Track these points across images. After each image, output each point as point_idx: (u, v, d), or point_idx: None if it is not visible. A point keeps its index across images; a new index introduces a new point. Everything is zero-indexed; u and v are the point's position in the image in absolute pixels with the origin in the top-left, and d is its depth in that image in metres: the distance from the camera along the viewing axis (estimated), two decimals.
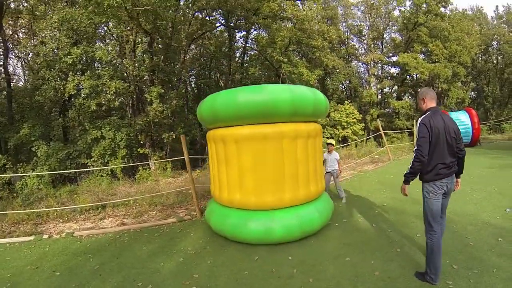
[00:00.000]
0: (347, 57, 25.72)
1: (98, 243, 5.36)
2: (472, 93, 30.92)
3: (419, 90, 4.17)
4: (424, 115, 3.36)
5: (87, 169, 11.52)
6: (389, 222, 5.45)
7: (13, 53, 17.71)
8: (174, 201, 8.01)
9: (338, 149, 16.49)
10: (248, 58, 20.88)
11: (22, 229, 6.49)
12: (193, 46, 21.66)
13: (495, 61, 28.35)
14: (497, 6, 46.86)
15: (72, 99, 13.22)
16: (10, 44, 15.83)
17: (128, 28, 12.55)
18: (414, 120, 15.47)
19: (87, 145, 12.14)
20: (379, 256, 4.11)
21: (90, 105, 11.47)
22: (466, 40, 22.32)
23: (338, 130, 20.85)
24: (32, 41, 16.37)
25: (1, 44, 13.93)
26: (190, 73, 21.32)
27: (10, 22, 16.07)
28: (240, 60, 19.96)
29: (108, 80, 11.28)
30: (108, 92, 11.22)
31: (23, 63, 19.73)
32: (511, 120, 23.58)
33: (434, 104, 3.41)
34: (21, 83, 19.75)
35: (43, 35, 12.05)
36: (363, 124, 21.64)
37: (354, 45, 26.83)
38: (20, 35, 17.63)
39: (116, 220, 7.10)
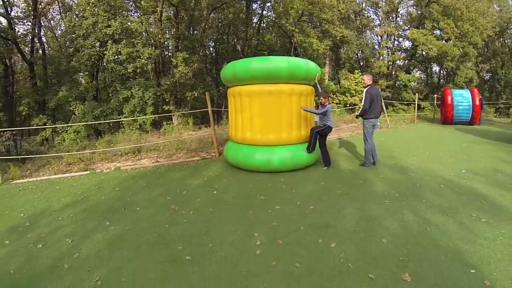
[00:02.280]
0: (361, 27, 26.47)
1: (141, 173, 6.98)
2: (486, 74, 30.63)
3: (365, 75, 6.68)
4: (368, 87, 6.39)
5: (118, 119, 13.32)
6: (365, 168, 6.80)
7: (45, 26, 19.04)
8: (197, 147, 9.76)
9: (343, 112, 18.29)
10: (264, 25, 22.10)
11: (76, 168, 7.96)
12: (212, 14, 22.92)
13: (511, 45, 27.90)
14: None
15: (105, 64, 14.83)
16: (43, 18, 17.30)
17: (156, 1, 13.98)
18: (418, 94, 16.39)
19: (119, 103, 14.03)
20: (346, 184, 5.65)
21: (127, 68, 13.26)
22: (480, 21, 21.92)
23: (347, 97, 22.17)
24: (62, 14, 17.58)
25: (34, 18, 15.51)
26: (209, 38, 22.64)
27: None
28: (256, 27, 21.23)
29: (141, 48, 12.98)
30: (142, 57, 12.92)
31: (55, 34, 21.21)
32: None
33: (371, 82, 6.55)
34: (51, 51, 21.22)
35: (81, 9, 13.52)
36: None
37: (369, 16, 27.37)
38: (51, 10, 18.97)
39: (151, 159, 8.64)
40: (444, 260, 3.13)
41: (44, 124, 14.05)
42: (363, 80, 6.74)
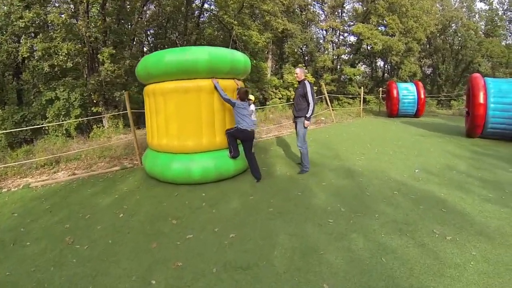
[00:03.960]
0: (306, 22, 26.24)
1: (51, 191, 6.02)
2: (428, 69, 32.29)
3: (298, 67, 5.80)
4: (308, 82, 5.63)
5: (39, 126, 11.82)
6: (305, 174, 6.02)
7: None
8: (121, 153, 8.73)
9: (285, 108, 17.76)
10: (206, 19, 21.06)
11: None
12: (152, 6, 21.47)
13: (451, 42, 29.55)
14: None
15: (26, 62, 13.26)
16: None
17: None
18: (363, 88, 16.44)
19: (42, 106, 12.48)
20: (280, 197, 4.80)
21: (43, 67, 11.70)
22: (424, 18, 22.88)
23: (290, 92, 21.79)
24: None
25: None
26: (148, 33, 21.22)
27: None
28: (196, 20, 20.10)
29: (60, 42, 11.46)
30: (60, 53, 11.41)
31: None
32: (460, 98, 24.57)
33: (304, 77, 5.81)
34: None
35: None
36: (316, 88, 22.66)
37: (315, 11, 27.26)
38: None
39: (68, 172, 7.71)
40: None
41: None
42: (296, 74, 5.81)
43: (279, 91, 21.76)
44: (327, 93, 14.86)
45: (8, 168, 7.77)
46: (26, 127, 12.12)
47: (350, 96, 23.21)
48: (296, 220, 4.00)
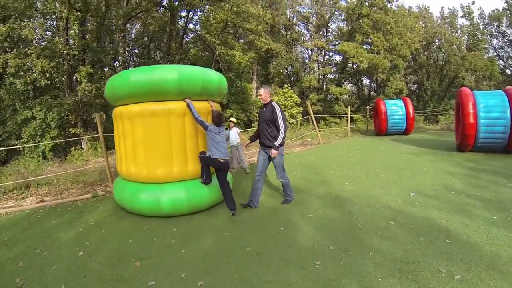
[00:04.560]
0: (291, 41, 26.35)
1: (13, 220, 5.64)
2: (413, 85, 32.69)
3: (264, 86, 5.14)
4: (276, 104, 4.96)
5: (12, 147, 11.27)
6: (288, 204, 5.50)
7: None
8: (96, 179, 8.23)
9: None
10: (190, 39, 20.84)
11: None
12: (138, 26, 21.24)
13: (435, 58, 30.06)
14: (442, 8, 53.27)
15: (3, 79, 12.76)
16: None
17: (62, 5, 12.12)
18: (350, 107, 16.19)
19: (17, 126, 11.97)
20: (260, 233, 4.25)
21: (16, 84, 11.30)
22: (408, 35, 23.20)
23: None
24: None
25: None
26: (131, 52, 20.89)
27: None
28: (180, 41, 19.81)
29: (35, 59, 11.04)
30: (34, 71, 11.00)
31: None
32: (446, 113, 24.97)
33: (271, 98, 5.08)
34: None
35: None
36: (302, 108, 22.47)
37: (300, 31, 27.49)
38: None
39: (37, 199, 7.28)
40: None
41: None
42: (260, 95, 4.99)
43: None
44: (313, 113, 14.52)
45: None
46: (0, 146, 11.64)
47: (337, 115, 23.07)
48: (277, 262, 3.47)
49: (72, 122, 12.51)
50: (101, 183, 7.95)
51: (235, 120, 8.17)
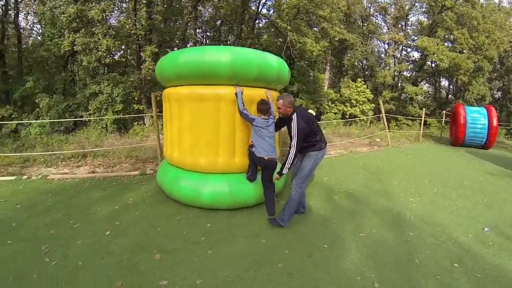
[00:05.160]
0: (367, 33, 24.63)
1: (63, 186, 5.89)
2: (497, 92, 28.44)
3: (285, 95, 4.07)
4: (294, 114, 3.98)
5: (77, 119, 11.97)
6: (340, 212, 4.83)
7: (24, 11, 17.86)
8: (149, 156, 8.28)
9: (339, 125, 16.12)
10: (262, 25, 20.39)
11: (10, 170, 7.23)
12: (210, 9, 21.33)
13: None
14: None
15: (76, 55, 13.50)
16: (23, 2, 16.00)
17: None
18: (424, 109, 14.53)
19: (86, 98, 12.62)
20: (298, 248, 3.67)
21: (83, 60, 11.89)
22: (497, 33, 20.17)
23: (347, 107, 20.40)
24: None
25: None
26: (203, 35, 21.01)
27: None
28: (251, 25, 19.44)
29: (101, 38, 11.47)
30: (99, 49, 11.42)
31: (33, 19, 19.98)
32: None
33: (290, 108, 4.02)
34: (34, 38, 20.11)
35: None
36: (374, 105, 21.05)
37: (377, 22, 25.58)
38: None
39: (89, 168, 7.62)
40: None
41: (10, 115, 12.96)
42: (279, 108, 3.95)
43: (335, 105, 20.51)
44: (385, 112, 13.26)
45: (38, 155, 8.03)
46: (70, 116, 12.44)
47: (410, 117, 21.00)
48: None
49: (136, 98, 12.90)
50: (153, 161, 7.98)
51: (313, 113, 6.89)
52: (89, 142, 10.39)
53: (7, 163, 7.76)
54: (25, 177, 6.66)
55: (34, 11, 14.88)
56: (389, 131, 13.14)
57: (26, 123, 12.32)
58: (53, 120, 11.67)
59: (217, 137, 4.43)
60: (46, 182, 6.23)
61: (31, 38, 20.14)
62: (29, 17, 17.66)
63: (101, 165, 7.95)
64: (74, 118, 12.52)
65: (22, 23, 17.45)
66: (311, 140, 4.04)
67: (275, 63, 4.66)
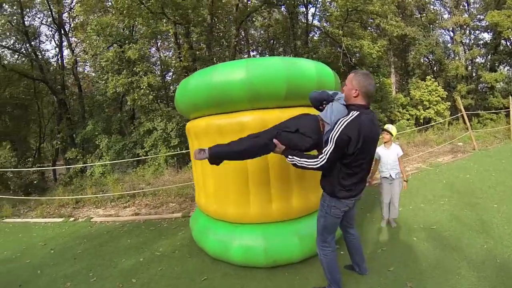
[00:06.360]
0: (427, 24, 21.94)
1: (100, 231, 5.83)
2: None
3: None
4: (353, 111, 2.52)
5: (136, 158, 12.25)
6: (419, 266, 3.38)
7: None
8: None
9: (413, 133, 14.07)
10: (316, 37, 19.36)
11: (63, 211, 7.62)
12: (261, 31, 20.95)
13: None
14: None
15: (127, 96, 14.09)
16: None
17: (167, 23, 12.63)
18: (511, 97, 11.95)
19: (140, 136, 12.79)
20: None
21: (127, 100, 12.30)
22: None
23: (420, 111, 18.23)
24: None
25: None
26: (258, 56, 20.70)
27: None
28: (304, 38, 18.35)
29: (142, 76, 11.57)
30: (141, 87, 11.49)
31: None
32: None
33: (363, 101, 2.55)
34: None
35: (83, 44, 12.97)
36: (449, 103, 18.53)
37: (436, 9, 22.62)
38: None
39: (134, 209, 7.38)
40: None
41: (76, 157, 13.91)
42: (344, 88, 2.61)
43: (406, 110, 18.44)
44: (464, 109, 11.06)
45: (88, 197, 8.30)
46: (128, 154, 12.68)
47: (493, 110, 17.65)
48: None
49: None
50: None
51: (393, 131, 4.32)
52: (145, 180, 10.40)
53: (62, 204, 8.11)
54: (72, 219, 6.80)
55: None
56: (473, 130, 11.04)
57: (91, 161, 12.92)
58: (105, 162, 11.96)
59: (245, 180, 3.49)
60: (88, 225, 6.23)
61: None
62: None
63: (147, 205, 7.76)
64: (132, 156, 12.64)
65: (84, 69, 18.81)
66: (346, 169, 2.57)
67: (312, 70, 3.53)
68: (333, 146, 2.39)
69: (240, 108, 3.44)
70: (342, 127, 2.38)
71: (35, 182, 11.20)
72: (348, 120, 2.40)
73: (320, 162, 2.44)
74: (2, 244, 5.49)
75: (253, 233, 3.54)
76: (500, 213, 4.57)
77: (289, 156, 2.59)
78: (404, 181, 4.30)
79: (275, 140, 2.63)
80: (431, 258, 3.51)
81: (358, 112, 2.43)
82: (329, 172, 2.60)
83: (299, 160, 2.53)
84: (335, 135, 2.39)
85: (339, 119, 2.45)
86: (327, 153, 2.41)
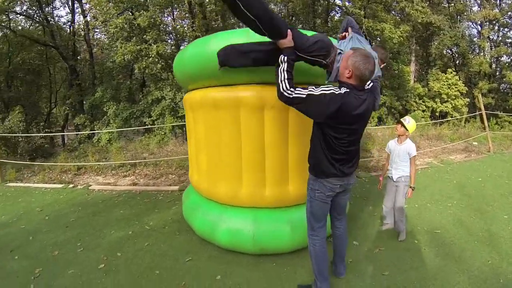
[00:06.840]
0: (454, 14, 20.92)
1: (97, 199, 5.83)
2: None
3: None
4: None
5: (143, 127, 12.26)
6: (415, 272, 3.13)
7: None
8: None
9: (428, 125, 13.58)
10: (336, 17, 18.67)
11: (64, 177, 7.67)
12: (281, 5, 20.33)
13: None
14: None
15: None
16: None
17: None
18: None
19: (148, 105, 12.65)
20: None
21: (135, 68, 12.07)
22: None
23: (437, 103, 17.64)
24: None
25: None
26: None
27: None
28: (324, 16, 17.82)
29: (152, 44, 11.29)
30: (150, 55, 11.21)
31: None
32: None
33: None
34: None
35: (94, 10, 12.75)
36: (468, 100, 17.86)
37: (465, 1, 21.55)
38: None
39: (133, 179, 7.38)
40: None
41: (84, 123, 13.94)
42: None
43: (423, 101, 17.85)
44: (484, 108, 10.41)
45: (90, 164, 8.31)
46: (135, 122, 12.63)
47: None
48: None
49: None
50: None
51: (410, 126, 3.82)
52: (148, 149, 10.42)
53: (64, 170, 8.18)
54: (71, 185, 6.83)
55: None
56: (490, 131, 10.56)
57: (98, 128, 13.03)
58: (111, 130, 11.97)
59: (238, 158, 3.24)
60: (85, 193, 6.23)
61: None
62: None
63: (146, 175, 7.74)
64: (140, 124, 12.61)
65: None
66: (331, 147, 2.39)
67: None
68: (306, 98, 2.25)
69: (237, 81, 3.15)
70: (328, 92, 2.22)
71: (45, 146, 11.37)
72: (336, 93, 2.23)
73: (290, 93, 2.26)
74: (2, 208, 5.54)
75: (242, 217, 3.33)
76: (510, 226, 4.17)
77: (284, 57, 2.37)
78: (410, 187, 3.64)
79: (288, 31, 2.41)
80: (430, 266, 3.23)
81: (347, 90, 2.26)
82: (313, 144, 2.51)
83: (284, 70, 2.33)
84: (320, 91, 2.23)
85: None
86: (300, 94, 2.25)
